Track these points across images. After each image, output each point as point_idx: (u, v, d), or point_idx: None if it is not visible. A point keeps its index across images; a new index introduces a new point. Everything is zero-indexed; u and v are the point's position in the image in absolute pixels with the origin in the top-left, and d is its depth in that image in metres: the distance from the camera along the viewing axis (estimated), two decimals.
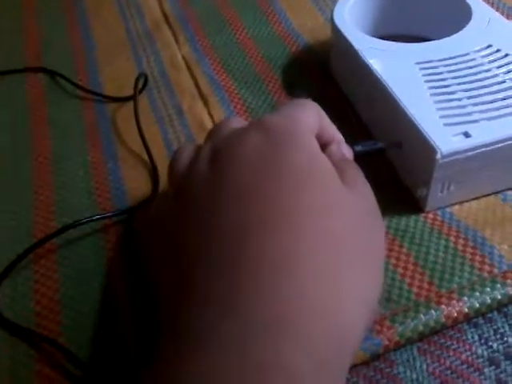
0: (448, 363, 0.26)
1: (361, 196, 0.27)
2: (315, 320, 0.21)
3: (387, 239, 0.32)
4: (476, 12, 0.39)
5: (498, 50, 0.36)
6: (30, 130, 0.43)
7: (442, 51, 0.36)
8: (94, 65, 0.49)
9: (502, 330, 0.27)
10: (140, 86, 0.43)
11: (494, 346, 0.27)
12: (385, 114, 0.35)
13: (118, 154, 0.40)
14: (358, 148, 0.32)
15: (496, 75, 0.34)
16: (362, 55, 0.37)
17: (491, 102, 0.32)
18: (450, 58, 0.35)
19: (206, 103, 0.43)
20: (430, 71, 0.35)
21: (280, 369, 0.19)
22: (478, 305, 0.27)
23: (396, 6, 0.44)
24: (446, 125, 0.31)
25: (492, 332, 0.27)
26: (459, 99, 0.32)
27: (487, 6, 0.40)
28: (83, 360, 0.28)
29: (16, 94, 0.46)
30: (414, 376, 0.26)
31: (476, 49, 0.36)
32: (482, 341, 0.27)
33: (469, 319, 0.28)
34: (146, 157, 0.38)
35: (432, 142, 0.30)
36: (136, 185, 0.37)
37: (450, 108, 0.32)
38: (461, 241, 0.31)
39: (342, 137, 0.31)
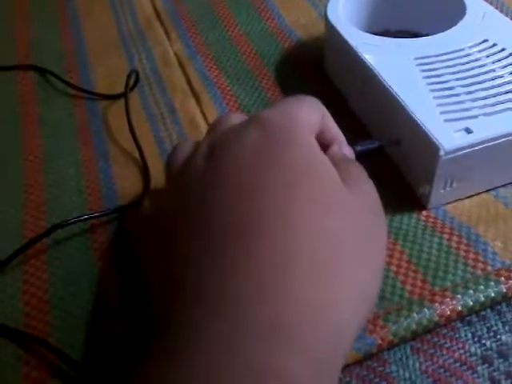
0: (441, 362, 0.26)
1: (362, 193, 0.26)
2: (308, 320, 0.21)
3: None
4: (470, 7, 0.39)
5: (494, 45, 0.35)
6: (20, 128, 0.42)
7: (439, 46, 0.36)
8: (85, 62, 0.48)
9: (495, 328, 0.27)
10: (131, 83, 0.43)
11: (488, 343, 0.27)
12: (383, 111, 0.35)
13: (109, 153, 0.39)
14: (358, 148, 0.31)
15: (493, 70, 0.34)
16: (357, 52, 0.36)
17: (489, 97, 0.32)
18: (447, 54, 0.35)
19: (198, 100, 0.43)
20: (428, 67, 0.34)
21: (273, 370, 0.19)
22: (471, 303, 0.27)
23: (389, 1, 0.44)
24: (446, 121, 0.31)
25: (485, 330, 0.27)
26: (458, 95, 0.32)
27: (481, 1, 0.40)
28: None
29: (6, 92, 0.46)
30: (407, 375, 0.26)
31: (472, 43, 0.36)
32: (475, 339, 0.27)
33: (462, 317, 0.27)
34: (137, 155, 0.38)
35: (434, 139, 0.30)
36: (127, 183, 0.37)
37: (450, 104, 0.32)
38: (455, 238, 0.31)
39: (343, 137, 0.30)
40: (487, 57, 0.35)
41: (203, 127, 0.41)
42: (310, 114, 0.28)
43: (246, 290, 0.21)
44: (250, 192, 0.24)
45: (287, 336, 0.20)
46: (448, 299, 0.27)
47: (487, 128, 0.30)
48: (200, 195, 0.25)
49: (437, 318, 0.27)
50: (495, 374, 0.26)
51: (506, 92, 0.32)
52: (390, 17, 0.44)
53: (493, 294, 0.27)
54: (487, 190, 0.33)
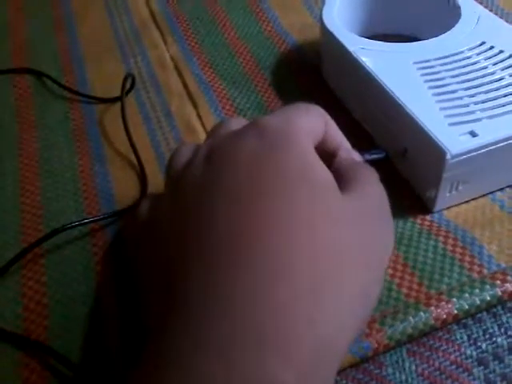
0: (437, 364, 0.26)
1: (366, 197, 0.26)
2: (295, 332, 0.21)
3: None
4: (465, 10, 0.39)
5: (491, 47, 0.36)
6: (16, 132, 0.42)
7: (437, 50, 0.36)
8: (80, 65, 0.48)
9: (490, 331, 0.27)
10: (128, 86, 0.43)
11: (483, 346, 0.27)
12: (385, 117, 0.35)
13: (105, 156, 0.40)
14: (366, 157, 0.31)
15: (493, 72, 0.34)
16: (356, 57, 0.36)
17: (492, 99, 0.32)
18: (446, 57, 0.35)
19: (194, 104, 0.43)
20: (428, 71, 0.34)
21: (258, 380, 0.19)
22: (467, 306, 0.27)
23: (384, 6, 0.44)
24: (451, 124, 0.31)
25: (481, 332, 0.27)
26: (460, 98, 0.32)
27: (476, 3, 0.40)
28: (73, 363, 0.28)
29: (2, 95, 0.46)
30: (403, 377, 0.26)
31: (470, 46, 0.36)
32: (471, 341, 0.27)
33: (458, 320, 0.27)
34: (133, 158, 0.38)
35: (440, 144, 0.30)
36: (124, 187, 0.37)
37: (453, 107, 0.32)
38: (450, 241, 0.31)
39: (349, 145, 0.30)
40: (486, 59, 0.35)
41: (199, 131, 0.41)
42: (310, 122, 0.28)
43: (239, 302, 0.21)
44: (245, 200, 0.24)
45: (278, 348, 0.20)
46: (444, 303, 0.27)
47: (492, 131, 0.30)
48: (198, 202, 0.25)
49: (432, 322, 0.27)
50: (491, 375, 0.26)
51: (507, 94, 0.32)
52: (385, 21, 0.44)
53: (488, 298, 0.27)
54: (484, 194, 0.34)
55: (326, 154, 0.28)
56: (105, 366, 0.28)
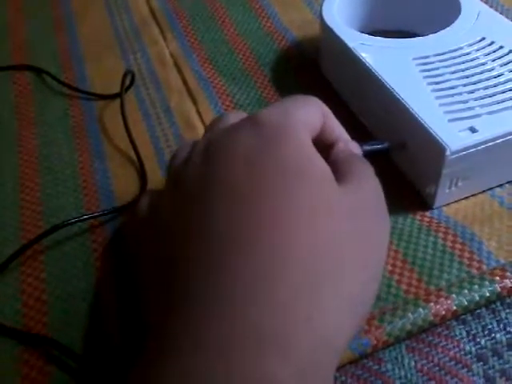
0: (436, 360, 0.26)
1: (361, 191, 0.26)
2: (295, 330, 0.21)
3: None
4: (465, 5, 0.39)
5: (491, 43, 0.36)
6: (16, 129, 0.42)
7: (437, 46, 0.36)
8: (80, 62, 0.48)
9: (490, 327, 0.27)
10: (127, 83, 0.43)
11: (482, 342, 0.27)
12: (385, 113, 0.35)
13: (105, 153, 0.40)
14: (365, 147, 0.31)
15: (493, 68, 0.34)
16: (356, 53, 0.36)
17: (491, 95, 0.32)
18: (446, 53, 0.35)
19: (193, 100, 0.43)
20: (428, 67, 0.34)
21: (256, 378, 0.19)
22: (466, 302, 0.27)
23: (383, 1, 0.44)
24: (450, 120, 0.31)
25: (480, 328, 0.27)
26: (460, 94, 0.32)
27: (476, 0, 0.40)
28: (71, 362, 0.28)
29: (2, 92, 0.46)
30: (402, 373, 0.26)
31: (470, 42, 0.36)
32: (470, 337, 0.27)
33: (457, 316, 0.27)
34: (133, 155, 0.38)
35: (440, 139, 0.30)
36: (124, 183, 0.37)
37: (452, 103, 0.32)
38: (449, 237, 0.31)
39: (348, 136, 0.30)
40: (486, 55, 0.35)
41: (199, 127, 0.41)
42: (307, 114, 0.27)
43: (240, 299, 0.21)
44: (244, 197, 0.24)
45: (278, 346, 0.20)
46: (443, 299, 0.27)
47: (491, 127, 0.30)
48: (196, 199, 0.25)
49: (431, 318, 0.27)
50: (490, 371, 0.26)
51: (506, 90, 0.32)
52: (385, 17, 0.44)
53: (487, 294, 0.27)
54: (484, 190, 0.34)
55: (325, 146, 0.28)
56: (104, 361, 0.28)
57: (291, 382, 0.20)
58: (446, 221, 0.32)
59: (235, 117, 0.29)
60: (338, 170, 0.26)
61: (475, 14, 0.38)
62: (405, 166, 0.35)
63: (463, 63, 0.34)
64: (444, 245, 0.31)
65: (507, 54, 0.35)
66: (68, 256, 0.33)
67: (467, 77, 0.33)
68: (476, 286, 0.28)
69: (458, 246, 0.31)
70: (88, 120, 0.42)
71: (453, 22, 0.38)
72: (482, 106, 0.31)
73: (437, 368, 0.26)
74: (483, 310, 0.28)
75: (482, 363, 0.26)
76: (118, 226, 0.34)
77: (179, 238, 0.24)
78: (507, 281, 0.28)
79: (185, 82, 0.45)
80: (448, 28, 0.38)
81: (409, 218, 0.33)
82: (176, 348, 0.20)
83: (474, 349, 0.27)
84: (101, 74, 0.46)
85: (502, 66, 0.34)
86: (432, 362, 0.26)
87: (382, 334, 0.26)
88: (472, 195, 0.33)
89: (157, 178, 0.37)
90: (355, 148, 0.30)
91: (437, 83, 0.33)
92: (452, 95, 0.32)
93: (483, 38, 0.36)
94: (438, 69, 0.34)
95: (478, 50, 0.35)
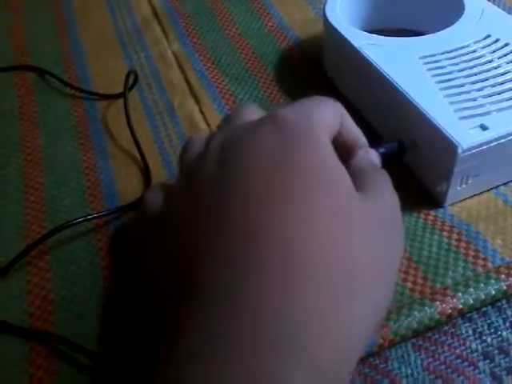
0: (442, 358, 0.26)
1: (381, 204, 0.26)
2: (320, 332, 0.21)
3: None
4: (469, 3, 0.39)
5: (497, 40, 0.36)
6: (19, 129, 0.42)
7: (443, 44, 0.36)
8: (82, 62, 0.48)
9: (496, 324, 0.27)
10: (130, 82, 0.43)
11: (488, 340, 0.27)
12: (394, 113, 0.35)
13: (108, 153, 0.40)
14: (381, 150, 0.31)
15: (499, 66, 0.34)
16: (362, 52, 0.36)
17: (500, 92, 0.32)
18: (452, 51, 0.35)
19: (196, 100, 0.43)
20: (435, 65, 0.34)
21: (279, 381, 0.19)
22: (472, 301, 0.27)
23: (387, 0, 0.44)
24: (461, 118, 0.31)
25: (486, 326, 0.27)
26: (468, 92, 0.32)
27: None
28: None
29: (4, 92, 0.46)
30: (409, 372, 0.26)
31: (475, 40, 0.36)
32: (476, 335, 0.27)
33: (463, 314, 0.28)
34: (137, 155, 0.38)
35: (451, 138, 0.30)
36: (127, 183, 0.37)
37: (462, 101, 0.32)
38: (454, 236, 0.31)
39: (365, 139, 0.30)
40: (492, 52, 0.35)
41: (202, 126, 0.41)
42: (328, 117, 0.27)
43: (260, 300, 0.21)
44: (264, 201, 0.23)
45: (300, 349, 0.20)
46: (449, 297, 0.27)
47: (502, 124, 0.30)
48: (213, 199, 0.24)
49: (438, 316, 0.27)
50: (496, 369, 0.26)
51: None
52: (388, 16, 0.44)
53: (493, 292, 0.28)
54: (494, 186, 0.34)
55: (341, 146, 0.28)
56: (119, 359, 0.28)
57: (306, 381, 0.20)
58: (451, 219, 0.32)
59: (251, 113, 0.29)
60: (359, 179, 0.26)
61: (479, 11, 0.38)
62: (414, 164, 0.35)
63: (470, 61, 0.34)
64: (449, 243, 0.31)
65: None
66: (73, 255, 0.33)
67: (475, 74, 0.33)
68: (482, 285, 0.28)
69: (463, 244, 0.31)
70: (91, 120, 0.42)
71: (457, 19, 0.38)
72: (491, 103, 0.32)
73: (443, 366, 0.26)
74: (489, 308, 0.28)
75: (488, 361, 0.26)
76: (122, 225, 0.34)
77: (196, 239, 0.24)
78: None
79: (188, 82, 0.45)
80: (453, 26, 0.38)
81: (413, 217, 0.33)
82: (196, 349, 0.20)
83: (480, 347, 0.27)
84: (103, 73, 0.46)
85: (508, 63, 0.34)
86: (438, 360, 0.26)
87: (389, 333, 0.26)
88: (476, 194, 0.33)
89: (161, 177, 0.37)
90: (375, 157, 0.30)
91: (444, 81, 0.33)
92: (460, 93, 0.32)
93: (488, 36, 0.36)
94: (445, 67, 0.34)
95: (483, 48, 0.35)
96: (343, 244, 0.23)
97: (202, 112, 0.42)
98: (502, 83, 0.33)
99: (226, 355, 0.20)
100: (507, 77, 0.33)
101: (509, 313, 0.28)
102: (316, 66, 0.44)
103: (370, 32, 0.38)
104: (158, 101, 0.43)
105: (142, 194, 0.35)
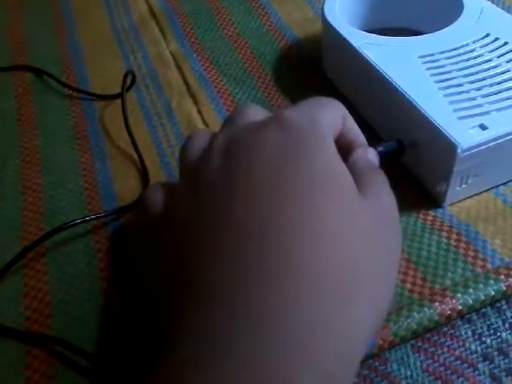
0: (442, 360, 0.26)
1: (380, 205, 0.26)
2: (325, 337, 0.20)
3: None
4: (468, 2, 0.39)
5: (496, 39, 0.36)
6: (17, 130, 0.42)
7: (442, 44, 0.36)
8: (80, 62, 0.48)
9: (495, 326, 0.27)
10: (128, 83, 0.43)
11: (488, 341, 0.27)
12: (393, 113, 0.35)
13: (106, 153, 0.39)
14: (380, 149, 0.31)
15: (499, 65, 0.34)
16: (361, 52, 0.36)
17: (499, 92, 0.32)
18: (451, 50, 0.35)
19: (194, 100, 0.43)
20: (434, 65, 0.34)
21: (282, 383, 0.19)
22: (471, 301, 0.27)
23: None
24: (460, 118, 0.31)
25: (485, 327, 0.27)
26: (468, 91, 0.32)
27: None
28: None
29: (2, 93, 0.46)
30: (409, 373, 0.26)
31: (474, 39, 0.36)
32: (476, 336, 0.27)
33: (462, 315, 0.27)
34: (135, 155, 0.38)
35: (451, 137, 0.30)
36: (125, 184, 0.37)
37: (461, 101, 0.32)
38: (454, 236, 0.31)
39: (364, 139, 0.30)
40: (491, 52, 0.35)
41: (200, 127, 0.40)
42: (331, 117, 0.27)
43: (262, 301, 0.21)
44: (268, 203, 0.23)
45: (299, 349, 0.20)
46: (448, 298, 0.27)
47: (501, 123, 0.30)
48: (215, 199, 0.24)
49: (437, 318, 0.27)
50: (496, 371, 0.26)
51: None
52: (386, 15, 0.44)
53: (493, 293, 0.27)
54: (493, 186, 0.34)
55: (341, 146, 0.28)
56: (118, 361, 0.27)
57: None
58: (450, 219, 0.32)
59: (254, 113, 0.28)
60: (357, 178, 0.26)
61: (478, 10, 0.38)
62: (413, 164, 0.34)
63: (469, 60, 0.34)
64: (448, 243, 0.31)
65: None
66: (71, 257, 0.33)
67: (474, 74, 0.33)
68: (481, 285, 0.28)
69: (462, 244, 0.31)
70: (89, 120, 0.42)
71: (456, 19, 0.38)
72: (490, 103, 0.31)
73: (443, 368, 0.26)
74: (488, 308, 0.28)
75: (487, 362, 0.26)
76: (121, 224, 0.34)
77: (198, 240, 0.24)
78: None
79: (186, 82, 0.45)
80: (452, 25, 0.37)
81: (412, 217, 0.32)
82: (197, 350, 0.20)
83: (479, 348, 0.27)
84: (101, 74, 0.46)
85: (507, 62, 0.34)
86: (438, 361, 0.26)
87: (388, 334, 0.26)
88: (476, 194, 0.33)
89: (159, 177, 0.37)
90: (373, 156, 0.29)
91: (444, 81, 0.33)
92: (460, 93, 0.32)
93: (487, 35, 0.36)
94: (444, 66, 0.34)
95: (482, 47, 0.35)
96: (345, 245, 0.23)
97: (200, 112, 0.42)
98: (501, 82, 0.33)
99: (228, 357, 0.19)
100: (506, 76, 0.33)
101: (508, 314, 0.28)
102: (315, 65, 0.44)
103: (369, 31, 0.38)
104: (156, 101, 0.43)
105: (141, 194, 0.35)
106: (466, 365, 0.26)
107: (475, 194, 0.33)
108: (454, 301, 0.27)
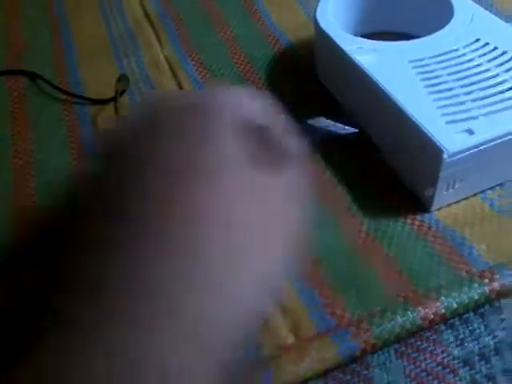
0: (424, 365, 0.26)
1: (281, 180, 0.25)
2: (195, 299, 0.20)
3: (367, 240, 0.32)
4: (458, 7, 0.39)
5: (486, 44, 0.36)
6: (11, 133, 0.42)
7: (432, 48, 0.36)
8: (74, 67, 0.48)
9: (478, 331, 0.27)
10: (121, 87, 0.43)
11: (470, 346, 0.27)
12: (383, 116, 0.35)
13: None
14: (340, 130, 0.31)
15: (488, 69, 0.34)
16: (351, 56, 0.36)
17: (488, 96, 0.32)
18: (442, 55, 0.35)
19: None
20: (424, 69, 0.34)
21: (154, 367, 0.19)
22: (455, 305, 0.27)
23: (377, 3, 0.44)
24: (447, 123, 0.31)
25: (468, 333, 0.27)
26: (457, 95, 0.32)
27: (469, 1, 0.40)
28: None
29: None
30: (391, 378, 0.26)
31: (465, 44, 0.36)
32: (458, 342, 0.27)
33: (445, 320, 0.28)
34: None
35: (437, 142, 0.30)
36: None
37: (450, 105, 0.32)
38: (439, 240, 0.31)
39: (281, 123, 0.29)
40: (481, 56, 0.35)
41: None
42: (242, 102, 0.26)
43: (123, 286, 0.20)
44: (170, 174, 0.23)
45: (167, 331, 0.19)
46: (432, 301, 0.27)
47: (488, 128, 0.31)
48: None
49: (420, 322, 0.27)
50: (477, 376, 0.26)
51: (503, 91, 0.32)
52: (379, 19, 0.44)
53: (476, 296, 0.28)
54: (480, 191, 0.34)
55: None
56: None
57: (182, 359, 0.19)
58: (437, 224, 0.32)
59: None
60: (270, 158, 0.25)
61: (469, 15, 0.38)
62: (401, 169, 0.35)
63: (459, 65, 0.34)
64: (433, 248, 0.31)
65: (502, 55, 0.35)
66: None
67: (463, 78, 0.33)
68: (465, 289, 0.28)
69: (447, 249, 0.31)
70: (83, 124, 0.43)
71: (446, 23, 0.38)
72: (479, 107, 0.32)
73: (424, 373, 0.26)
74: (471, 314, 0.28)
75: (468, 368, 0.26)
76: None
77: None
78: (496, 283, 0.28)
79: (180, 86, 0.45)
80: (442, 30, 0.38)
81: (399, 222, 0.33)
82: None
83: (461, 353, 0.27)
84: (95, 78, 0.47)
85: (497, 66, 0.34)
86: (420, 367, 0.26)
87: (371, 337, 0.26)
88: (463, 198, 0.33)
89: None
90: (294, 143, 0.29)
91: (433, 85, 0.33)
92: (449, 97, 0.32)
93: (478, 40, 0.36)
94: (434, 71, 0.34)
95: (473, 52, 0.35)
96: (236, 217, 0.22)
97: None
98: (490, 87, 0.33)
99: (85, 335, 0.19)
100: (496, 80, 0.33)
101: (491, 319, 0.28)
102: (308, 69, 0.44)
103: (362, 35, 0.38)
104: None
105: None
106: (447, 370, 0.26)
107: (463, 199, 0.33)
108: (437, 304, 0.27)
